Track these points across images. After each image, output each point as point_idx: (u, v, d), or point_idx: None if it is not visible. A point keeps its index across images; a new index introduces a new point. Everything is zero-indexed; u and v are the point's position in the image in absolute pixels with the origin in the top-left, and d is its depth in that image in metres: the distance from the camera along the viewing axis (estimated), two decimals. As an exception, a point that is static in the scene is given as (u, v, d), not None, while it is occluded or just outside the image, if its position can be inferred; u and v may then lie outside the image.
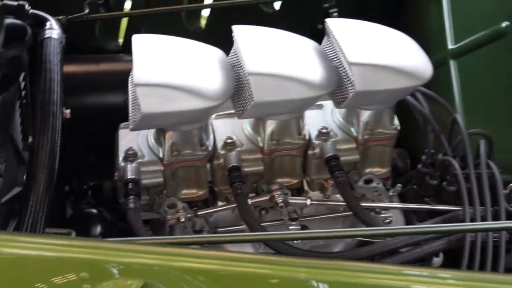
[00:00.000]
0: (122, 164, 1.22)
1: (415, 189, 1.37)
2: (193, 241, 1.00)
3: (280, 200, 1.21)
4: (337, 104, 1.21)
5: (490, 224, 1.13)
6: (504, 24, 1.40)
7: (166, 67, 1.14)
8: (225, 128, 1.29)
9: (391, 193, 1.30)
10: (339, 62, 1.21)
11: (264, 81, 1.12)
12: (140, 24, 1.73)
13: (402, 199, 1.37)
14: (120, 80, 1.39)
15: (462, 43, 1.53)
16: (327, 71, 1.17)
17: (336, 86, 1.18)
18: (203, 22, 1.83)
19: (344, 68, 1.19)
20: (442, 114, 1.35)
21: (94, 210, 1.47)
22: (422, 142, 1.37)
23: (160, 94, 1.10)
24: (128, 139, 1.28)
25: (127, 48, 1.60)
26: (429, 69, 1.19)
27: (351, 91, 1.16)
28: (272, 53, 1.18)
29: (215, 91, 1.12)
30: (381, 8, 1.81)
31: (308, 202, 1.23)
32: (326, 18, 1.80)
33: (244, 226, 1.22)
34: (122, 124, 1.31)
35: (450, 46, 1.56)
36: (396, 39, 1.25)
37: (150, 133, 1.26)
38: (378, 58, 1.16)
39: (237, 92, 1.17)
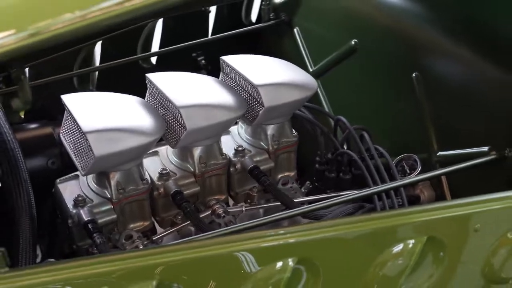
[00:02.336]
0: (74, 211, 1.34)
1: (317, 186, 1.64)
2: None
3: (221, 211, 1.41)
4: (250, 123, 1.44)
5: (390, 184, 1.40)
6: (353, 42, 1.74)
7: (104, 114, 1.30)
8: (153, 164, 1.46)
9: (303, 190, 1.56)
10: (241, 89, 1.46)
11: (193, 111, 1.32)
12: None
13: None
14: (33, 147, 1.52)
15: (320, 64, 1.86)
16: (236, 97, 1.41)
17: (246, 109, 1.42)
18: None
19: (249, 93, 1.43)
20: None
21: None
22: (311, 147, 1.64)
23: (109, 137, 1.25)
24: (70, 190, 1.40)
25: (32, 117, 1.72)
26: (314, 82, 1.48)
27: (261, 109, 1.41)
28: (185, 87, 1.40)
29: (153, 127, 1.30)
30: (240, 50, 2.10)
31: (244, 208, 1.44)
32: (195, 66, 2.08)
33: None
34: (58, 180, 1.43)
35: (311, 69, 1.89)
36: (279, 62, 1.53)
37: (90, 180, 1.39)
38: (276, 78, 1.43)
39: (168, 127, 1.36)
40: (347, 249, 1.07)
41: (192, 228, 1.43)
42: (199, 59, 2.08)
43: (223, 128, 1.42)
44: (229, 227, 1.22)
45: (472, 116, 1.46)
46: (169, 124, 1.37)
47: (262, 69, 1.47)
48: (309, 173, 1.68)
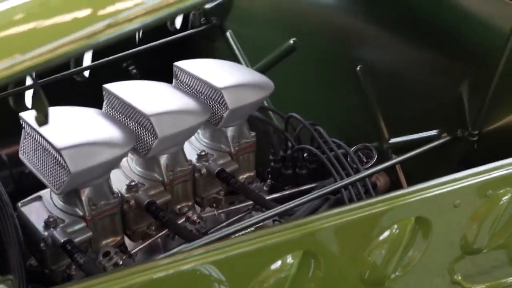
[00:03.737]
0: (47, 233, 1.28)
1: (274, 183, 1.67)
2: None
3: (195, 217, 1.40)
4: (215, 126, 1.45)
5: (353, 177, 1.46)
6: (291, 41, 1.79)
7: (73, 129, 1.26)
8: (116, 177, 1.43)
9: (265, 188, 1.59)
10: (199, 94, 1.47)
11: (163, 118, 1.31)
12: None
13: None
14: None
15: (259, 64, 1.89)
16: (199, 102, 1.41)
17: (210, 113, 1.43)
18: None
19: (210, 97, 1.44)
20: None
21: None
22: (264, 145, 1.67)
23: (83, 152, 1.21)
24: (36, 212, 1.34)
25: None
26: (270, 81, 1.51)
27: (224, 112, 1.42)
28: (147, 96, 1.38)
29: (124, 138, 1.28)
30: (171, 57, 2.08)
31: (216, 212, 1.45)
32: (127, 76, 2.05)
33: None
34: (20, 203, 1.36)
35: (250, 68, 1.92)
36: (233, 65, 1.56)
37: (56, 199, 1.34)
38: (236, 80, 1.45)
39: (137, 138, 1.34)
40: (342, 239, 1.11)
41: (158, 240, 1.42)
42: (130, 68, 2.05)
43: (191, 133, 1.41)
44: (216, 233, 1.22)
45: (417, 102, 1.55)
46: (137, 134, 1.34)
47: (219, 72, 1.48)
48: (261, 170, 1.71)
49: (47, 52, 0.81)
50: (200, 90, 1.46)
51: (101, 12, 0.82)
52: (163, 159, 1.41)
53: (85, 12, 0.83)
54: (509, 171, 1.21)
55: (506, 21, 1.36)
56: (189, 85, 1.49)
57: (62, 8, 0.83)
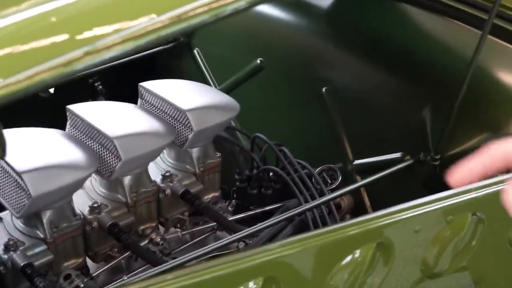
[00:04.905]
0: (6, 256, 1.26)
1: (239, 203, 1.67)
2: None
3: (159, 239, 1.40)
4: (181, 147, 1.44)
5: (316, 201, 1.47)
6: (258, 61, 1.79)
7: (34, 151, 1.24)
8: (79, 198, 1.41)
9: (230, 208, 1.58)
10: (165, 115, 1.46)
11: (127, 141, 1.30)
12: None
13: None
14: None
15: (225, 83, 1.89)
16: (164, 123, 1.41)
17: (175, 134, 1.42)
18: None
19: (175, 118, 1.44)
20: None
21: None
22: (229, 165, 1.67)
23: (45, 175, 1.20)
24: None
25: None
26: (236, 103, 1.51)
27: (189, 133, 1.42)
28: (112, 117, 1.37)
29: (87, 160, 1.27)
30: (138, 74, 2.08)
31: (180, 234, 1.44)
32: (93, 92, 2.03)
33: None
34: None
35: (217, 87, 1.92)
36: (199, 85, 1.56)
37: (17, 221, 1.32)
38: (201, 101, 1.44)
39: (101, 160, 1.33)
40: (305, 265, 1.11)
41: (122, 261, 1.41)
42: (96, 84, 2.04)
43: (156, 155, 1.41)
44: (179, 258, 1.21)
45: (382, 124, 1.57)
46: (100, 156, 1.33)
47: (185, 93, 1.48)
48: (226, 189, 1.70)
49: (23, 80, 0.79)
50: (165, 111, 1.46)
51: (79, 38, 0.81)
52: (127, 180, 1.40)
53: (62, 38, 0.81)
54: (470, 196, 1.23)
55: (468, 46, 1.39)
56: (155, 105, 1.48)
57: (39, 33, 0.81)
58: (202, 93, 1.50)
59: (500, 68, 1.45)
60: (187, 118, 1.41)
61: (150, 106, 1.50)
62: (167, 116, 1.46)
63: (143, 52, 0.82)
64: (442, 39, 1.56)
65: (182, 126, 1.43)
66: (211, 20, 0.84)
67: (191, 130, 1.41)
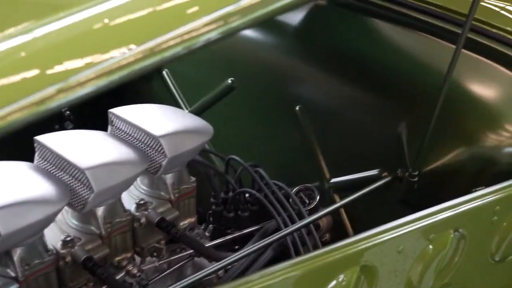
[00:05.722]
0: (-24, 299, 1.21)
1: (216, 227, 1.63)
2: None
3: (136, 271, 1.35)
4: (155, 174, 1.40)
5: (295, 225, 1.44)
6: (229, 80, 1.77)
7: (1, 188, 1.19)
8: (51, 232, 1.36)
9: (207, 234, 1.55)
10: (137, 141, 1.42)
11: (99, 171, 1.26)
12: None
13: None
14: None
15: (196, 105, 1.86)
16: (136, 151, 1.37)
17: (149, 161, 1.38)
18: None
19: (148, 144, 1.40)
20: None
21: None
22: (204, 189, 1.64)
23: (13, 213, 1.15)
24: None
25: None
26: (210, 126, 1.48)
27: (163, 160, 1.38)
28: (82, 146, 1.33)
29: (57, 194, 1.22)
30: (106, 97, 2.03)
31: (157, 264, 1.40)
32: (59, 117, 1.98)
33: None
34: None
35: (186, 110, 1.88)
36: (171, 110, 1.52)
37: (-15, 261, 1.27)
38: (174, 126, 1.41)
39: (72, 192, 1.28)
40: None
41: None
42: (63, 110, 1.99)
43: (129, 184, 1.36)
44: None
45: (358, 141, 1.56)
46: (71, 187, 1.29)
47: (156, 119, 1.44)
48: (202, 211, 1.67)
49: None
50: (138, 138, 1.42)
51: (50, 73, 0.78)
52: (100, 211, 1.35)
53: (33, 73, 0.77)
54: (451, 213, 1.22)
55: (443, 60, 1.38)
56: (126, 132, 1.44)
57: (8, 70, 0.77)
58: (174, 118, 1.46)
59: (475, 81, 1.45)
60: (160, 145, 1.37)
61: (121, 133, 1.46)
62: (139, 143, 1.42)
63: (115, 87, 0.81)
64: (416, 54, 1.56)
65: (155, 152, 1.40)
66: (184, 52, 0.82)
67: (164, 156, 1.38)
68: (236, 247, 1.59)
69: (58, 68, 0.78)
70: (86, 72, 0.78)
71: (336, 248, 1.12)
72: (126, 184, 1.34)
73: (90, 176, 1.25)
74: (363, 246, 1.12)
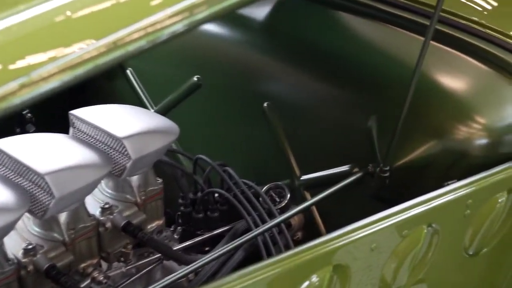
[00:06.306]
0: None
1: (185, 228, 1.59)
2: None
3: (102, 277, 1.30)
4: (119, 176, 1.35)
5: (266, 225, 1.40)
6: (195, 78, 1.72)
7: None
8: (11, 240, 1.31)
9: (176, 236, 1.51)
10: (101, 143, 1.37)
11: (60, 176, 1.21)
12: None
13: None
14: None
15: (161, 104, 1.81)
16: (99, 153, 1.32)
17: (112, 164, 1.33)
18: None
19: (111, 146, 1.35)
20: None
21: None
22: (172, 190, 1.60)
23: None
24: None
25: None
26: (176, 125, 1.44)
27: (127, 162, 1.33)
28: (42, 150, 1.28)
29: (17, 201, 1.17)
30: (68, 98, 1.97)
31: (124, 269, 1.35)
32: (20, 120, 1.92)
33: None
34: None
35: (152, 109, 1.83)
36: (134, 110, 1.47)
37: None
38: (138, 127, 1.36)
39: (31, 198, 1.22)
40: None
41: None
42: (24, 112, 1.92)
43: (92, 188, 1.31)
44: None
45: (328, 137, 1.53)
46: (31, 194, 1.23)
47: (119, 119, 1.39)
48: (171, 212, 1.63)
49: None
50: (100, 140, 1.37)
51: (13, 69, 0.73)
52: (63, 217, 1.30)
53: None
54: (424, 208, 1.20)
55: (412, 53, 1.34)
56: (88, 134, 1.39)
57: None
58: (138, 118, 1.42)
59: (445, 74, 1.42)
60: (124, 146, 1.32)
61: (83, 135, 1.40)
62: (102, 145, 1.37)
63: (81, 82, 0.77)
64: (386, 47, 1.53)
65: (119, 154, 1.35)
66: (149, 46, 0.78)
67: (129, 158, 1.33)
68: (207, 248, 1.56)
69: (20, 63, 0.74)
70: (49, 66, 0.74)
71: (308, 248, 1.09)
72: (89, 188, 1.29)
73: (50, 181, 1.20)
74: (335, 245, 1.09)
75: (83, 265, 1.34)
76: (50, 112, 1.75)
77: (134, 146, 1.33)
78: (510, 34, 1.44)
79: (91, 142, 1.39)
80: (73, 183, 1.23)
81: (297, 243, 1.47)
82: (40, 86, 0.74)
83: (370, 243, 1.14)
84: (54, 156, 1.26)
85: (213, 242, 1.52)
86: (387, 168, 1.36)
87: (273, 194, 1.54)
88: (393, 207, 1.16)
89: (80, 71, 0.75)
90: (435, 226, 1.22)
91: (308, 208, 1.48)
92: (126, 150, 1.32)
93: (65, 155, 1.28)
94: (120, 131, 1.34)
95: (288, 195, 1.52)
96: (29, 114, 1.92)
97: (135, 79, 1.87)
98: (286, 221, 1.53)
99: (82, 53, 0.75)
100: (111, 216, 1.37)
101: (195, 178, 1.56)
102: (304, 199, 1.53)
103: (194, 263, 1.25)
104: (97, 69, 0.77)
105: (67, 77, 0.75)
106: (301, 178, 1.56)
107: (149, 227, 1.47)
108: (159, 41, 0.81)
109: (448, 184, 1.28)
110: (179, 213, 1.60)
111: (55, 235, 1.30)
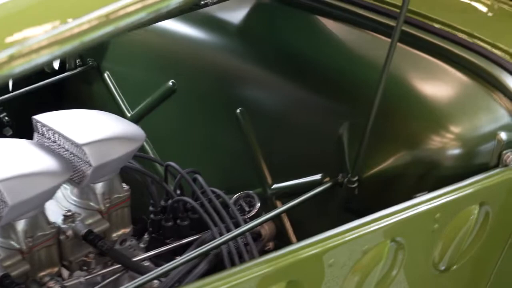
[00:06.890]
0: None
1: (155, 236, 1.55)
2: None
3: (58, 287, 1.27)
4: (77, 185, 1.32)
5: (231, 233, 1.36)
6: (170, 83, 1.69)
7: None
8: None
9: (142, 245, 1.47)
10: (63, 149, 1.34)
11: (13, 184, 1.18)
12: None
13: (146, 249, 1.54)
14: None
15: (138, 108, 1.78)
16: (59, 160, 1.29)
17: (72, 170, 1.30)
18: None
19: (72, 153, 1.32)
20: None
21: None
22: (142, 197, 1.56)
23: None
24: None
25: None
26: (142, 131, 1.41)
27: (88, 169, 1.30)
28: (6, 158, 1.25)
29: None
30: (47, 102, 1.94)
31: (82, 279, 1.32)
32: (1, 130, 1.89)
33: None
34: None
35: (128, 114, 1.80)
36: (100, 115, 1.44)
37: None
38: (100, 133, 1.33)
39: None
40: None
41: None
42: (1, 116, 1.90)
43: (49, 196, 1.28)
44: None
45: (300, 145, 1.48)
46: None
47: (83, 125, 1.36)
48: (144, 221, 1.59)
49: None
50: (62, 146, 1.34)
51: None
52: (21, 225, 1.27)
53: None
54: (386, 223, 1.15)
55: (380, 56, 1.29)
56: (51, 139, 1.36)
57: None
58: (102, 124, 1.38)
59: (417, 79, 1.37)
60: (85, 153, 1.29)
61: (47, 140, 1.37)
62: (65, 151, 1.34)
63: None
64: (358, 52, 1.49)
65: (80, 161, 1.31)
66: (147, 19, 0.75)
67: (89, 165, 1.30)
68: (177, 258, 1.52)
69: (13, 37, 0.72)
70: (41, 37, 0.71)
71: (263, 261, 1.05)
72: (46, 196, 1.26)
73: (3, 189, 1.17)
74: (290, 260, 1.05)
75: (42, 273, 1.32)
76: (27, 116, 1.73)
77: (95, 153, 1.30)
78: (487, 40, 1.38)
79: (55, 148, 1.36)
80: (28, 191, 1.20)
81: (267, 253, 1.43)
82: (31, 58, 0.71)
83: (328, 258, 1.09)
84: (9, 163, 1.23)
85: (183, 252, 1.49)
86: (355, 178, 1.32)
87: (243, 203, 1.50)
88: (353, 222, 1.11)
89: (68, 46, 0.73)
90: (400, 241, 1.17)
91: (275, 217, 1.44)
92: (87, 157, 1.29)
93: (21, 162, 1.25)
94: (81, 138, 1.31)
95: (258, 204, 1.48)
96: (6, 118, 1.90)
97: (112, 84, 1.84)
98: (256, 231, 1.49)
99: (73, 26, 0.73)
100: (73, 224, 1.35)
101: (164, 186, 1.53)
102: (275, 209, 1.49)
103: (151, 273, 1.22)
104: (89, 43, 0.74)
105: (57, 51, 0.73)
106: (273, 187, 1.52)
107: (114, 235, 1.44)
108: (121, 28, 0.77)
109: (417, 196, 1.23)
110: (149, 221, 1.57)
111: (12, 243, 1.27)
